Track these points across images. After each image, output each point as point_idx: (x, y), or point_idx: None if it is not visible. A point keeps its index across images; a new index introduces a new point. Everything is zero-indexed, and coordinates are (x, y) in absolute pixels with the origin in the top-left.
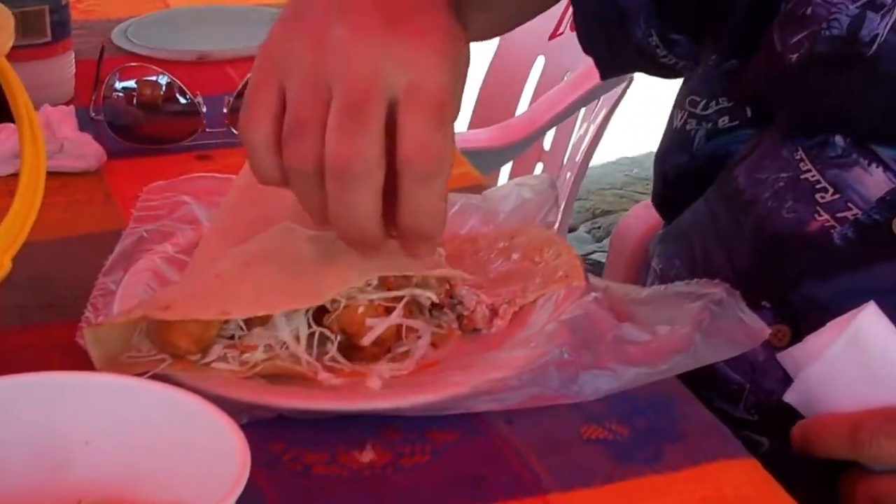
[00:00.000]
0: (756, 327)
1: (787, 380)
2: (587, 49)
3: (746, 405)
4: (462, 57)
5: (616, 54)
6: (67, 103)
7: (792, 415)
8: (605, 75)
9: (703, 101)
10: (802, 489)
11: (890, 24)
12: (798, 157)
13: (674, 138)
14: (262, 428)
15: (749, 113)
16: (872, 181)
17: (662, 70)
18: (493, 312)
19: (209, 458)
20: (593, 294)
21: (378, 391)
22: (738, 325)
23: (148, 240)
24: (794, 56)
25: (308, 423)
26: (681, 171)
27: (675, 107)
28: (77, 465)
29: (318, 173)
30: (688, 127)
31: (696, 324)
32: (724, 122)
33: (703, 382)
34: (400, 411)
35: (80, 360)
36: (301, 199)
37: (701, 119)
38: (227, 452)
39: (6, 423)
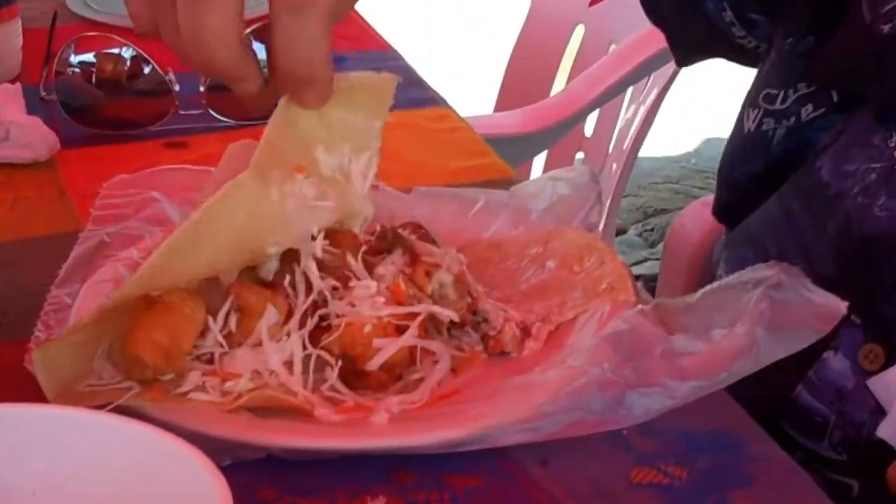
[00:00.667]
0: (828, 305)
1: (880, 410)
2: (654, 20)
3: (832, 441)
4: None
5: (688, 27)
6: (13, 81)
7: (887, 453)
8: (680, 58)
9: (781, 93)
10: None
11: None
12: (892, 144)
13: (745, 143)
14: (248, 471)
15: (835, 97)
16: None
17: (741, 55)
18: (525, 332)
19: None
20: (640, 307)
21: (386, 426)
22: (805, 308)
23: (110, 244)
24: (887, 27)
25: (303, 466)
26: (755, 179)
27: (745, 106)
28: None
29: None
30: (764, 127)
31: (756, 317)
32: (807, 111)
33: (780, 413)
34: (412, 450)
35: (28, 390)
36: (163, 33)
37: (779, 115)
38: (207, 499)
39: None
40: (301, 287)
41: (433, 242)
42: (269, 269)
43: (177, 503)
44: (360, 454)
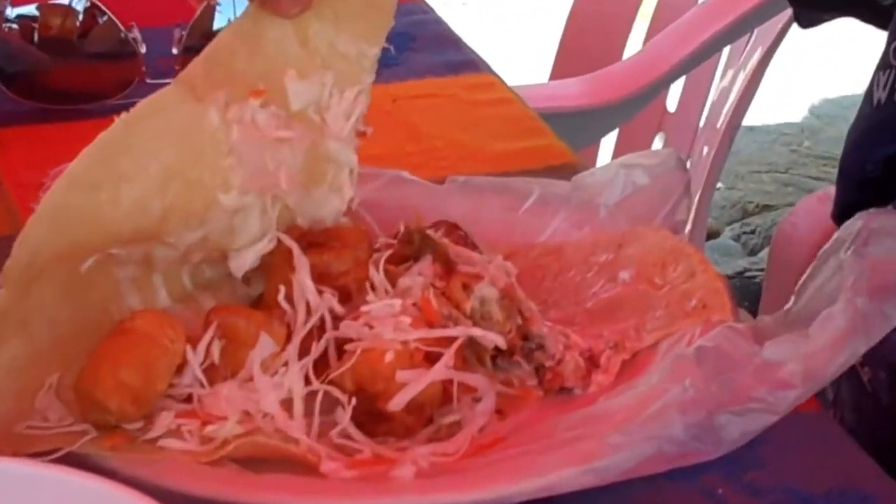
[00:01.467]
0: None
1: None
2: None
3: None
4: None
5: None
6: None
7: None
8: (803, 17)
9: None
10: None
11: None
12: None
13: (875, 118)
14: None
15: None
16: None
17: (874, 14)
18: (592, 362)
19: None
20: (730, 323)
21: (412, 483)
22: None
23: None
24: None
25: None
26: (891, 165)
27: (877, 71)
28: None
29: None
30: None
31: (851, 286)
32: None
33: None
34: None
35: None
36: None
37: None
38: None
39: None
40: (301, 303)
41: (473, 248)
42: (241, 266)
43: None
44: None
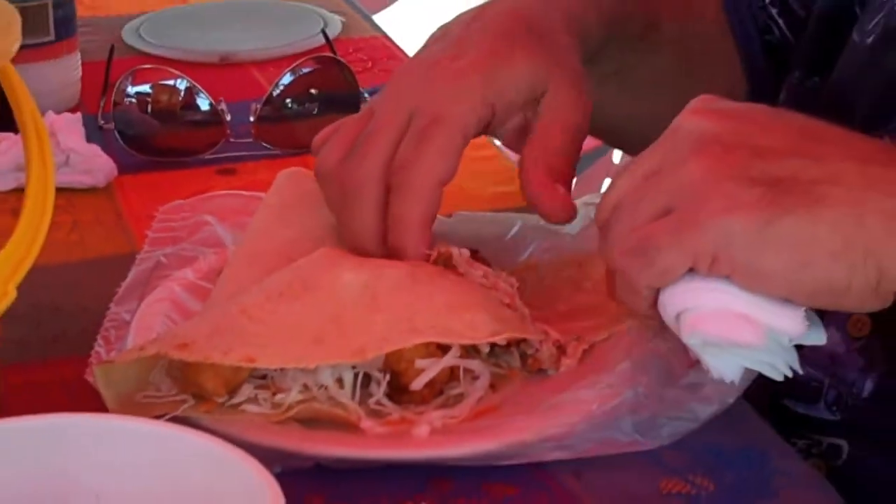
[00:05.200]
0: None
1: (866, 369)
2: None
3: (827, 402)
4: (507, 85)
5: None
6: (73, 110)
7: (874, 413)
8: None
9: None
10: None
11: None
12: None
13: None
14: (297, 479)
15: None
16: None
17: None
18: (561, 350)
19: None
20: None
21: (427, 439)
22: None
23: (166, 265)
24: (871, 38)
25: (349, 475)
26: None
27: None
28: None
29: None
30: None
31: None
32: None
33: (782, 387)
34: (451, 461)
35: (89, 400)
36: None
37: None
38: None
39: (9, 470)
40: None
41: (487, 265)
42: None
43: None
44: (403, 464)
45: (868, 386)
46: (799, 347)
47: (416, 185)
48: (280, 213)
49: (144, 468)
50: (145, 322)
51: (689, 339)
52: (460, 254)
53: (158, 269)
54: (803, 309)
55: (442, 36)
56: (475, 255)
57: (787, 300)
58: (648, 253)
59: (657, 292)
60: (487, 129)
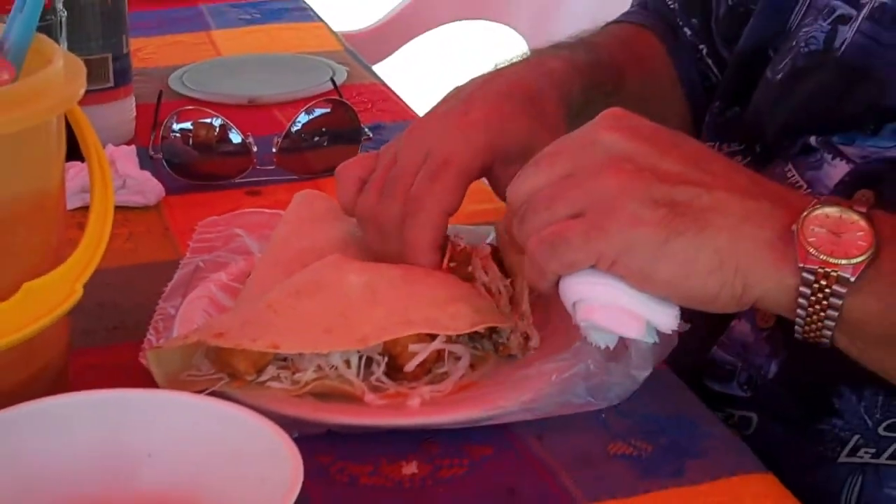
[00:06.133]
0: None
1: (772, 355)
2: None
3: (739, 382)
4: (507, 138)
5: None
6: (129, 143)
7: (778, 391)
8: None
9: (716, 145)
10: (790, 467)
11: (854, 28)
12: (787, 168)
13: None
14: (311, 442)
15: (759, 149)
16: (835, 172)
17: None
18: (525, 339)
19: (264, 468)
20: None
21: (419, 408)
22: None
23: (204, 269)
24: (780, 75)
25: (354, 438)
26: None
27: None
28: (141, 476)
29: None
30: None
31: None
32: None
33: (702, 369)
34: (440, 425)
35: (142, 378)
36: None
37: None
38: (281, 464)
39: (76, 436)
40: None
41: (501, 268)
42: None
43: (258, 465)
44: (398, 429)
45: (773, 368)
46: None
47: (426, 214)
48: (296, 228)
49: (186, 432)
50: (188, 315)
51: (582, 323)
52: (482, 247)
53: (198, 272)
54: (678, 307)
55: (455, 94)
56: (495, 252)
57: (665, 299)
58: (559, 247)
59: (559, 277)
60: (488, 173)
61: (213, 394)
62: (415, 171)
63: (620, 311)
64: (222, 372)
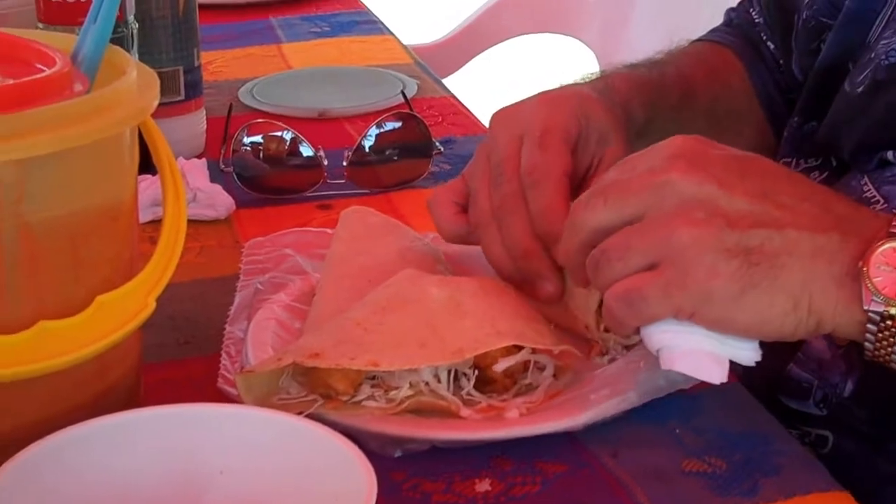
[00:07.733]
0: None
1: (848, 372)
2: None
3: (815, 400)
4: (592, 115)
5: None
6: (199, 156)
7: (853, 409)
8: None
9: (793, 161)
10: (865, 485)
11: None
12: (863, 182)
13: None
14: (383, 459)
15: (835, 163)
16: None
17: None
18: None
19: (337, 484)
20: None
21: (518, 419)
22: None
23: (263, 291)
24: (859, 88)
25: (427, 455)
26: None
27: None
28: (212, 492)
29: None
30: None
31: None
32: (814, 177)
33: (778, 385)
34: (544, 433)
35: (213, 394)
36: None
37: None
38: (354, 480)
39: (149, 450)
40: None
41: None
42: None
43: (331, 482)
44: (502, 441)
45: (849, 387)
46: None
47: (548, 179)
48: (351, 244)
49: (259, 448)
50: (258, 338)
51: (667, 369)
52: None
53: (258, 294)
54: (757, 342)
55: (532, 95)
56: None
57: None
58: (637, 303)
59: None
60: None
61: (308, 416)
62: (517, 153)
63: (702, 356)
64: (315, 393)
